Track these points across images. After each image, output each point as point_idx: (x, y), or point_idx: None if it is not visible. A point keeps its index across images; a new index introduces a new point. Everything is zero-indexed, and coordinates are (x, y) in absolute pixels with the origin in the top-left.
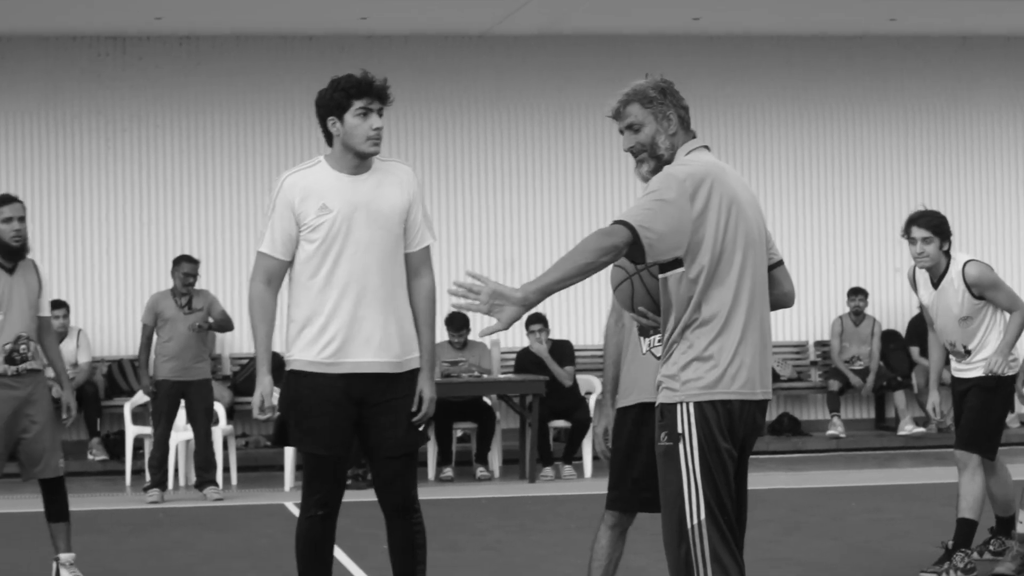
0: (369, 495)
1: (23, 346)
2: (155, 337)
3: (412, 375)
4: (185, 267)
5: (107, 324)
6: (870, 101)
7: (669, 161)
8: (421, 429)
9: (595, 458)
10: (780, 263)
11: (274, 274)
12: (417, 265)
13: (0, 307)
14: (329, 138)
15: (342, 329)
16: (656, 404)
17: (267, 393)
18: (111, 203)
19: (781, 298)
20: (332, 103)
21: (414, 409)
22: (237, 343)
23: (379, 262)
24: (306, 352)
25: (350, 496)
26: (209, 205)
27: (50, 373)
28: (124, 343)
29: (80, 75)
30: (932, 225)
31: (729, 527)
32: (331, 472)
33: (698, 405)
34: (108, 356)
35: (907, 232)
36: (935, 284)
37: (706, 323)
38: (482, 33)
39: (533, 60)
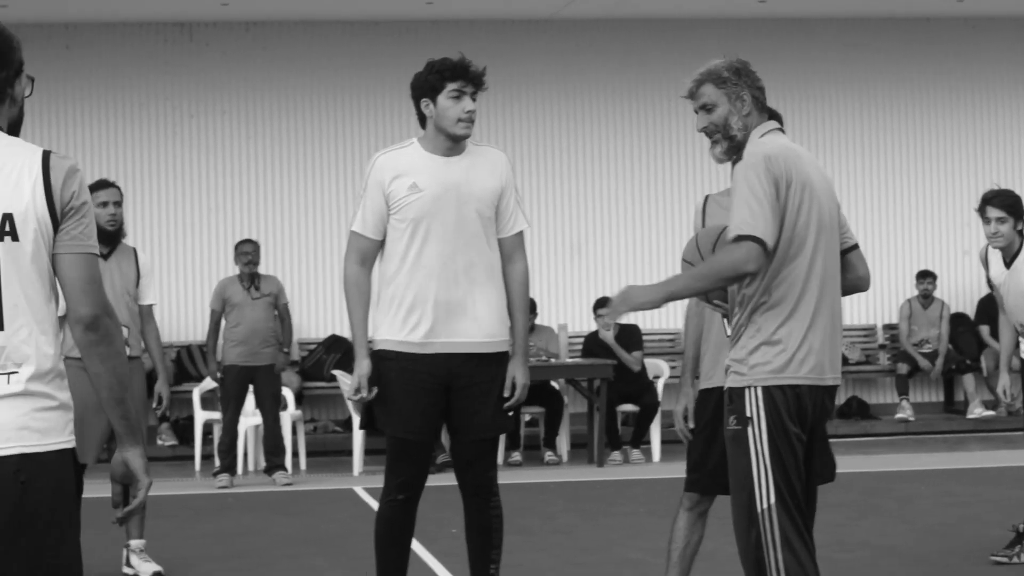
0: (437, 479)
1: None
2: (223, 322)
3: (501, 358)
4: (244, 247)
5: (175, 310)
6: (937, 83)
7: (742, 142)
8: (510, 415)
9: (664, 442)
10: (855, 247)
11: (367, 254)
12: (510, 250)
13: None
14: (423, 120)
15: (431, 310)
16: (724, 388)
17: (364, 376)
18: (177, 189)
19: (856, 282)
20: (426, 85)
21: (506, 395)
22: (305, 328)
23: (469, 243)
24: (395, 332)
25: None
26: (275, 191)
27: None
28: (192, 329)
29: (146, 61)
30: (1007, 204)
31: (799, 511)
32: (415, 456)
33: (766, 389)
34: (176, 342)
35: (982, 211)
36: (1007, 263)
37: (775, 307)
38: (547, 17)
39: (598, 44)
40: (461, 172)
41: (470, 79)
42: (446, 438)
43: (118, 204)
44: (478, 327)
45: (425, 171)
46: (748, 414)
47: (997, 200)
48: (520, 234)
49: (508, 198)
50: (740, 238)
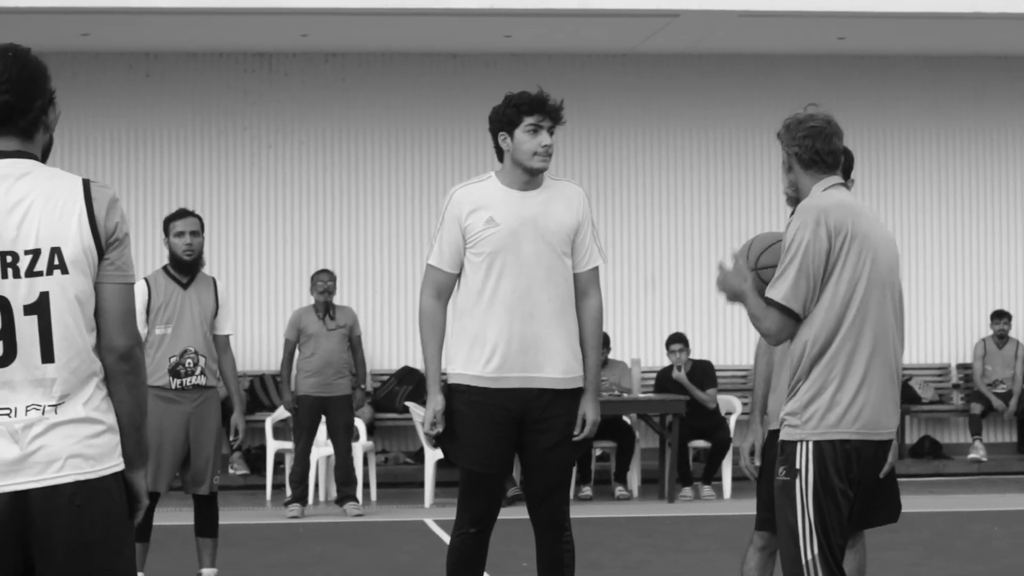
0: (508, 512)
1: (189, 360)
2: (297, 352)
3: (574, 394)
4: (322, 277)
5: (249, 339)
6: (1017, 121)
7: (794, 198)
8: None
9: (735, 479)
10: None
11: (443, 287)
12: (585, 285)
13: (170, 321)
14: (500, 153)
15: (506, 344)
16: (779, 439)
17: (439, 411)
18: (255, 218)
19: None
20: (504, 119)
21: (576, 432)
22: (378, 359)
23: (545, 278)
24: (469, 367)
25: None
26: (352, 221)
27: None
28: (266, 358)
29: (227, 91)
30: None
31: (838, 564)
32: (488, 489)
33: (817, 444)
34: (250, 371)
35: None
36: None
37: (830, 361)
38: (626, 52)
39: (678, 79)
40: (538, 206)
41: (547, 113)
42: (517, 471)
43: (195, 234)
44: (552, 364)
45: (502, 205)
46: (797, 466)
47: None
48: (595, 270)
49: (584, 233)
50: (771, 304)
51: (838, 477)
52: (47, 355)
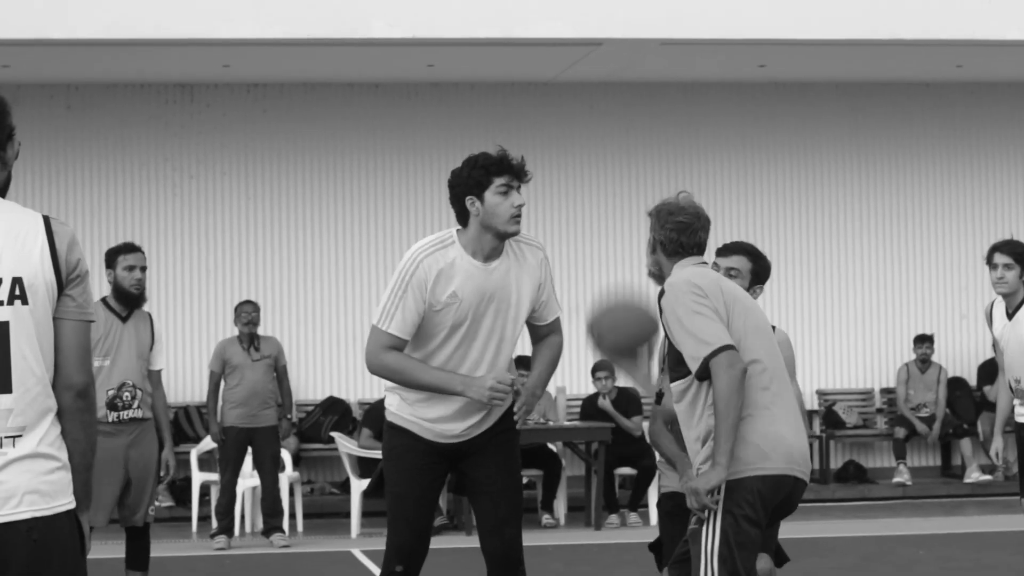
0: (442, 542)
1: (127, 393)
2: (222, 383)
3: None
4: (245, 308)
5: (173, 371)
6: (936, 148)
7: (658, 276)
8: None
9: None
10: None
11: (399, 349)
12: (547, 333)
13: (108, 354)
14: (463, 218)
15: (446, 405)
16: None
17: (492, 379)
18: (178, 249)
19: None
20: (470, 181)
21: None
22: (303, 390)
23: (496, 350)
24: (406, 411)
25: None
26: (276, 251)
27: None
28: (191, 390)
29: (148, 122)
30: (1015, 252)
31: None
32: (409, 520)
33: (728, 487)
34: (174, 403)
35: (989, 259)
36: (1010, 315)
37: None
38: (549, 80)
39: (600, 106)
40: (500, 279)
41: (515, 173)
42: (444, 502)
43: (144, 269)
44: (489, 420)
45: (466, 279)
46: (705, 515)
47: (1006, 248)
48: (556, 319)
49: (544, 294)
50: (710, 356)
51: (748, 521)
52: (5, 385)
